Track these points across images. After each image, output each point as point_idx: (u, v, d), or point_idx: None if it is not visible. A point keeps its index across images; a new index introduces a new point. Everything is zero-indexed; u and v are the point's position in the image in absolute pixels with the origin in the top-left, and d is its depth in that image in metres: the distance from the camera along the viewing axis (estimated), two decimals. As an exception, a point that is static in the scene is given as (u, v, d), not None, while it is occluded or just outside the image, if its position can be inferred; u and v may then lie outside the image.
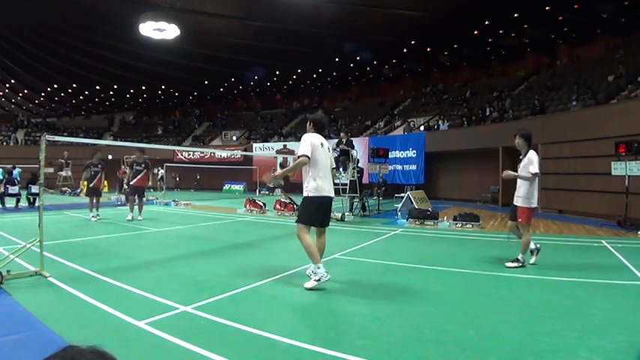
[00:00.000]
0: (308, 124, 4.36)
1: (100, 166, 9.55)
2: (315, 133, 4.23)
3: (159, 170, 21.58)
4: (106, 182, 12.59)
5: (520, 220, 4.89)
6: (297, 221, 4.13)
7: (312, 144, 4.07)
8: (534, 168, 4.77)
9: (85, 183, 10.50)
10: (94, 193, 9.53)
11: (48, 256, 4.67)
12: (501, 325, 3.03)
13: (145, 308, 3.26)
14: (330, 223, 4.45)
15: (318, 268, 3.90)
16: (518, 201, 4.93)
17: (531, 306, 3.51)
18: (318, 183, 4.04)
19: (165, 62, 22.83)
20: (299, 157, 4.04)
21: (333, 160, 4.40)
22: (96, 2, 16.69)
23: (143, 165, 9.41)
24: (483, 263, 5.15)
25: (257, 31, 18.85)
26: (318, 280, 3.87)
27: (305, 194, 4.09)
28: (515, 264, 4.79)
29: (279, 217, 10.73)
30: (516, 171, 4.99)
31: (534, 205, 4.91)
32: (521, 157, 5.01)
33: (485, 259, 5.36)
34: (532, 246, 5.03)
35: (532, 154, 4.87)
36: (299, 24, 17.31)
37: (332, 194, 4.23)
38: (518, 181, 4.95)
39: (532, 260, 4.99)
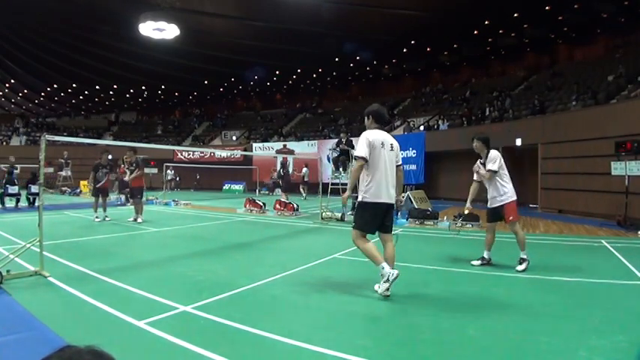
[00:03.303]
0: (367, 118, 4.00)
1: (108, 167, 9.54)
2: (375, 130, 3.87)
3: (167, 171, 21.83)
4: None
5: (511, 217, 4.86)
6: (353, 227, 3.87)
7: (370, 143, 3.72)
8: (489, 166, 4.85)
9: (87, 183, 10.49)
10: (102, 193, 9.42)
11: (48, 256, 4.66)
12: (501, 325, 3.03)
13: (145, 308, 3.26)
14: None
15: (383, 268, 3.62)
16: (501, 200, 4.89)
17: (531, 306, 3.51)
18: (374, 187, 3.69)
19: (165, 62, 22.83)
20: (355, 158, 3.77)
21: (398, 157, 3.95)
22: (96, 2, 16.69)
23: (134, 165, 9.15)
24: (483, 263, 5.14)
25: (257, 31, 18.84)
26: (387, 280, 3.58)
27: (360, 198, 3.78)
28: (524, 265, 4.74)
29: (279, 217, 10.73)
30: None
31: (515, 197, 4.92)
32: (482, 160, 5.03)
33: (485, 259, 5.34)
34: (486, 255, 5.04)
35: (493, 153, 4.93)
36: (299, 24, 17.30)
37: (391, 200, 3.79)
38: (491, 184, 4.95)
39: (476, 263, 5.01)
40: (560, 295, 3.84)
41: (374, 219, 3.74)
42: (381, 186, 3.72)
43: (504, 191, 4.88)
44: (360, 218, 3.80)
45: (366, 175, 3.76)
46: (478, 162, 5.14)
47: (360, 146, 3.74)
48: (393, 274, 3.59)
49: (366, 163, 3.72)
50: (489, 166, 4.87)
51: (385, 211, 3.78)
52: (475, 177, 5.21)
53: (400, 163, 3.99)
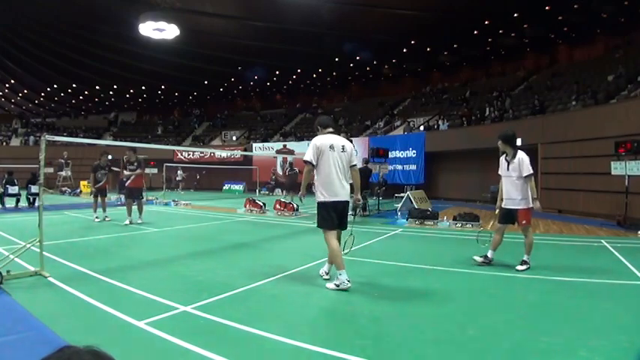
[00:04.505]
0: (317, 130, 4.29)
1: (107, 168, 9.53)
2: (324, 135, 4.14)
3: (177, 172, 22.14)
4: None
5: (524, 222, 4.82)
6: (317, 226, 4.14)
7: (317, 147, 4.02)
8: (528, 170, 4.74)
9: (87, 183, 10.41)
10: (101, 193, 9.44)
11: (48, 256, 4.66)
12: (501, 325, 3.03)
13: (145, 308, 3.26)
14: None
15: (341, 275, 3.90)
16: (520, 203, 4.83)
17: (531, 306, 3.52)
18: (325, 188, 4.02)
19: (165, 62, 22.82)
20: (304, 162, 4.08)
21: (352, 158, 4.19)
22: (96, 2, 16.69)
23: (136, 164, 9.02)
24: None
25: (257, 31, 18.85)
26: (338, 285, 3.89)
27: (316, 199, 4.13)
28: (524, 266, 4.75)
29: (279, 217, 10.72)
30: (507, 170, 4.94)
31: (532, 204, 4.89)
32: (507, 157, 4.94)
33: (485, 259, 5.34)
34: (490, 254, 5.03)
35: (522, 155, 4.83)
36: (299, 24, 17.29)
37: (344, 198, 4.07)
38: (513, 184, 4.86)
39: (478, 259, 5.01)
40: (560, 295, 3.84)
41: (332, 215, 4.01)
42: (332, 186, 4.01)
43: (525, 196, 4.79)
44: (319, 218, 4.10)
45: (317, 177, 4.07)
46: (503, 158, 5.01)
47: (308, 151, 4.06)
48: (346, 285, 3.85)
49: (313, 166, 4.02)
50: (527, 171, 4.72)
51: (341, 208, 4.07)
52: (500, 172, 5.08)
53: (355, 163, 4.22)
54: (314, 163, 4.02)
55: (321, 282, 4.16)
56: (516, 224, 4.93)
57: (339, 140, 4.13)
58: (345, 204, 4.10)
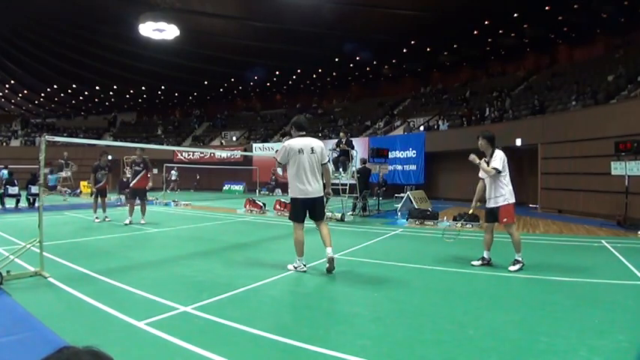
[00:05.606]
0: (291, 130, 4.82)
1: (107, 168, 9.52)
2: (296, 138, 4.61)
3: (172, 172, 22.12)
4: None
5: (506, 219, 4.84)
6: (289, 218, 4.76)
7: (287, 149, 4.51)
8: (494, 163, 4.82)
9: (87, 183, 10.36)
10: (101, 193, 9.42)
11: (48, 257, 4.66)
12: (501, 325, 3.03)
13: (145, 308, 3.26)
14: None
15: (299, 260, 4.57)
16: (497, 201, 4.89)
17: (531, 306, 3.52)
18: (295, 186, 4.52)
19: (165, 62, 22.82)
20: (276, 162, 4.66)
21: (323, 157, 4.66)
22: (96, 2, 16.69)
23: (142, 165, 8.94)
24: (483, 263, 5.14)
25: (257, 31, 18.84)
26: (295, 268, 4.56)
27: (289, 195, 4.68)
28: (517, 266, 4.76)
29: (279, 217, 10.72)
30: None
31: (513, 200, 4.91)
32: (486, 159, 5.00)
33: (485, 259, 5.34)
34: (486, 255, 5.05)
35: (497, 152, 4.90)
36: (299, 24, 17.29)
37: (314, 195, 4.53)
38: (493, 183, 4.93)
39: (476, 263, 5.01)
40: (560, 295, 3.83)
41: (301, 210, 4.55)
42: (302, 184, 4.49)
43: (501, 193, 4.87)
44: (291, 210, 4.69)
45: (290, 176, 4.58)
46: (483, 160, 5.09)
47: (279, 152, 4.60)
48: (302, 269, 4.53)
49: (281, 165, 4.59)
50: (494, 164, 4.83)
51: (311, 203, 4.55)
52: (480, 174, 5.16)
53: (326, 161, 4.75)
54: (282, 163, 4.56)
55: (321, 282, 4.17)
56: (499, 222, 4.97)
57: (307, 142, 4.57)
58: (315, 200, 4.56)
